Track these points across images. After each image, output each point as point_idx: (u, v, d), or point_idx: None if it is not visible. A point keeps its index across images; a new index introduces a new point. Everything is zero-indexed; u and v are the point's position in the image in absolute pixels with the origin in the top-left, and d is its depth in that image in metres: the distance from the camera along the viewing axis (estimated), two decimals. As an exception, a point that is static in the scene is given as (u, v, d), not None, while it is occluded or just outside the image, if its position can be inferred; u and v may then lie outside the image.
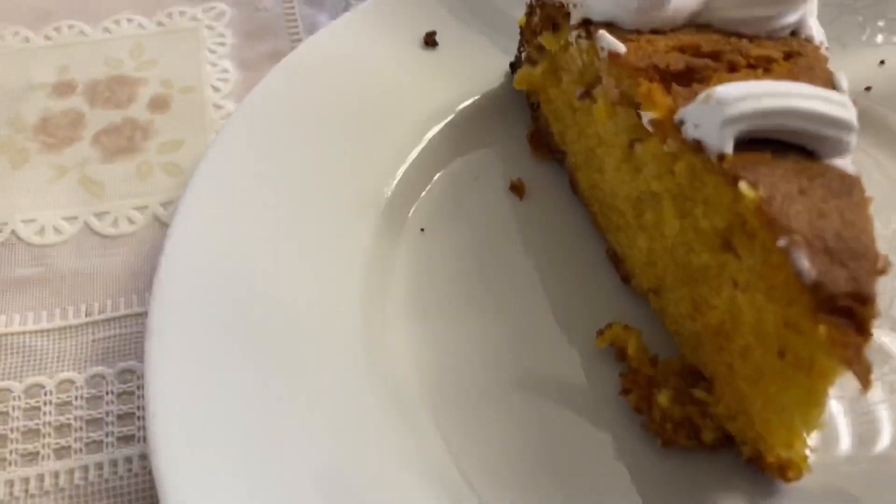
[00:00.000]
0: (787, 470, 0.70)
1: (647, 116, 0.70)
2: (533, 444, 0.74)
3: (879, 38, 1.05)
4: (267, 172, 0.85)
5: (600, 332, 0.79)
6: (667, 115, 0.68)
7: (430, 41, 0.99)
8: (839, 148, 0.65)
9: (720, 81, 0.71)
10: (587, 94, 0.81)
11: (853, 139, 0.65)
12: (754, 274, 0.63)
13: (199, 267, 0.77)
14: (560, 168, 0.94)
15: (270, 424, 0.70)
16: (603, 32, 0.75)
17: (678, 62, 0.71)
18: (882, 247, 0.81)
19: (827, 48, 0.81)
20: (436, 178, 0.93)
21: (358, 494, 0.67)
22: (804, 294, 0.57)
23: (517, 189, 0.92)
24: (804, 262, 0.57)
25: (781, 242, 0.58)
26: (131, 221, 0.92)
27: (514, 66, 0.97)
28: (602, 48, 0.75)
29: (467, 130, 0.95)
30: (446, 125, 0.95)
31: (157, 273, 0.76)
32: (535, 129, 0.96)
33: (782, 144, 0.65)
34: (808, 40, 0.79)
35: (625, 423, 0.75)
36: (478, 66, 0.98)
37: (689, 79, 0.71)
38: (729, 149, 0.63)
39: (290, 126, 0.89)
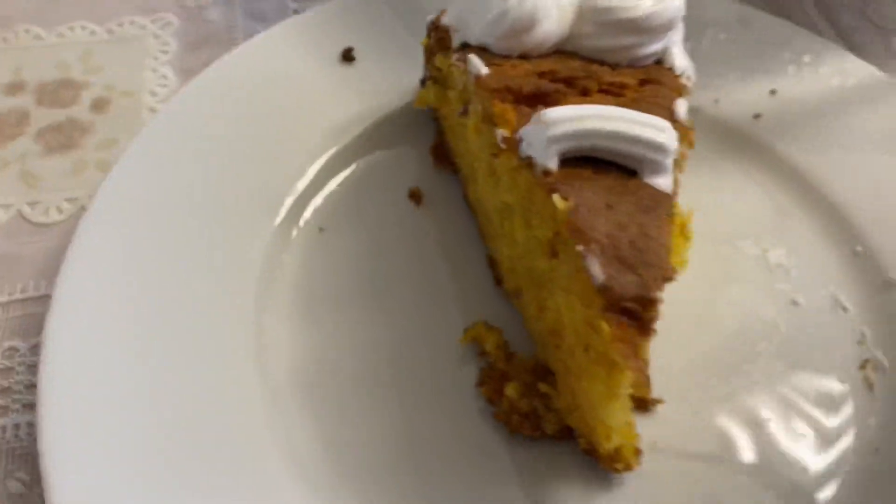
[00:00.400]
0: (615, 461, 0.76)
1: (500, 134, 0.77)
2: (394, 431, 0.81)
3: (773, 67, 1.11)
4: (178, 171, 0.94)
5: (466, 331, 0.86)
6: (513, 132, 0.76)
7: (347, 56, 1.07)
8: (655, 168, 0.72)
9: (570, 104, 0.78)
10: (465, 111, 0.88)
11: (669, 161, 0.72)
12: (569, 278, 0.70)
13: (103, 253, 0.86)
14: (457, 179, 1.01)
15: (153, 403, 0.77)
16: (471, 56, 0.83)
17: (530, 85, 0.79)
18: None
19: (689, 77, 0.88)
20: (340, 181, 1.01)
21: (224, 475, 0.74)
22: (597, 296, 0.64)
23: (415, 196, 1.00)
24: (596, 268, 0.64)
25: (579, 248, 0.65)
26: (60, 211, 1.00)
27: (423, 83, 1.04)
28: (470, 71, 0.83)
29: (375, 140, 1.03)
30: (356, 134, 1.02)
31: (65, 257, 0.85)
32: (439, 142, 1.03)
33: (607, 163, 0.72)
34: (671, 69, 0.86)
35: (480, 414, 0.83)
36: (391, 81, 1.06)
37: (539, 101, 0.78)
38: (553, 165, 0.71)
39: (205, 129, 0.97)
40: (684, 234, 0.84)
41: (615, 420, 0.71)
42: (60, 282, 0.83)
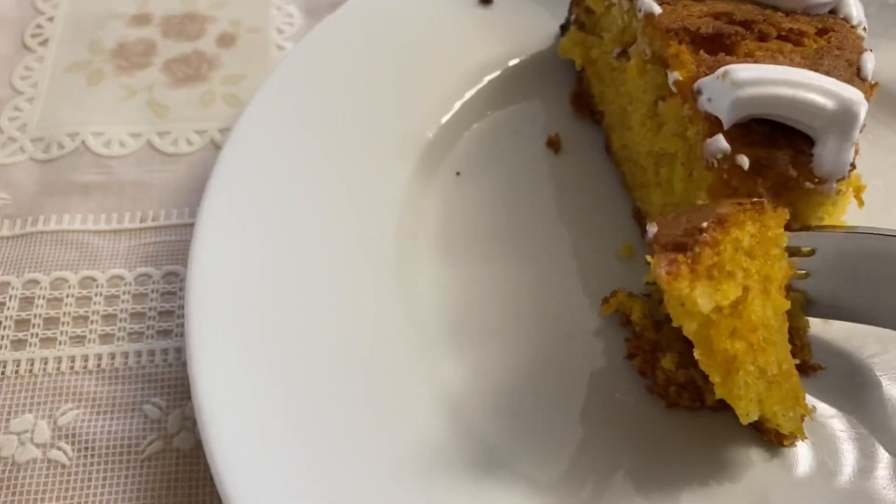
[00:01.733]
0: (782, 436, 0.72)
1: (672, 76, 0.73)
2: (543, 394, 0.77)
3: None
4: (316, 109, 0.91)
5: (605, 300, 0.82)
6: (689, 78, 0.72)
7: (485, 0, 1.03)
8: (838, 140, 0.68)
9: (748, 50, 0.74)
10: (624, 52, 0.85)
11: (855, 134, 0.68)
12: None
13: (245, 185, 0.84)
14: (597, 129, 0.98)
15: (299, 331, 0.76)
16: (641, -7, 0.79)
17: (709, 27, 0.75)
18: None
19: (865, 29, 0.83)
20: (477, 127, 0.98)
21: (368, 405, 0.72)
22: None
23: (554, 144, 0.96)
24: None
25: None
26: (190, 143, 0.99)
27: (563, 28, 1.01)
28: (639, 9, 0.79)
29: (512, 86, 1.00)
30: (492, 79, 0.99)
31: (207, 187, 0.83)
32: (578, 90, 1.00)
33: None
34: (846, 19, 0.82)
35: (629, 387, 0.78)
36: (529, 26, 1.03)
37: (717, 44, 0.74)
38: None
39: (342, 68, 0.95)
40: (859, 200, 0.79)
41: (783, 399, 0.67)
42: (203, 211, 0.81)
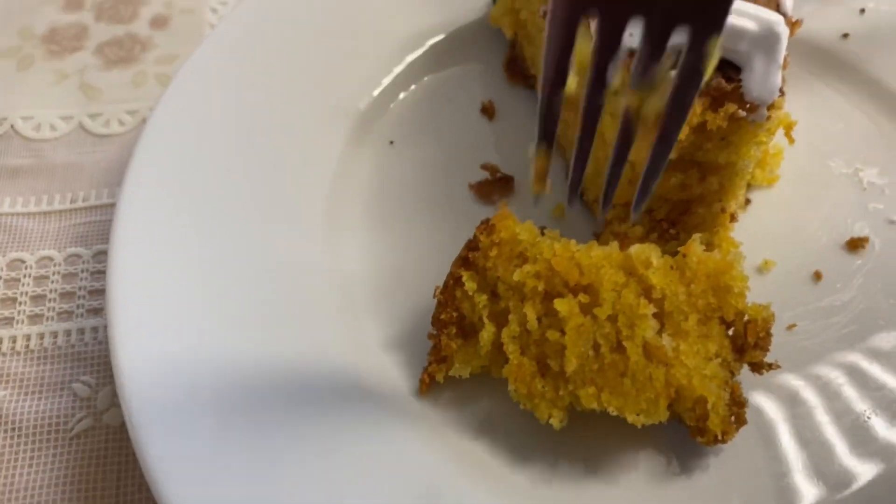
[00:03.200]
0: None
1: None
2: None
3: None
4: (244, 81, 0.90)
5: None
6: None
7: (416, -32, 1.02)
8: (765, 63, 0.68)
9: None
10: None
11: (780, 57, 0.68)
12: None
13: (169, 160, 0.83)
14: (531, 94, 0.97)
15: (223, 302, 0.75)
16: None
17: None
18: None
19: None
20: (410, 95, 0.97)
21: (294, 371, 0.72)
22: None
23: (487, 111, 0.96)
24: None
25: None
26: (122, 123, 0.98)
27: (495, -2, 1.00)
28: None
29: (447, 52, 0.99)
30: (428, 47, 0.99)
31: (129, 162, 0.82)
32: (511, 56, 0.99)
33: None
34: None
35: None
36: (461, -6, 1.02)
37: None
38: None
39: (271, 39, 0.94)
40: (788, 136, 0.79)
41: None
42: (126, 189, 0.80)
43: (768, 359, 0.69)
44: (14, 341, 0.80)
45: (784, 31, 0.69)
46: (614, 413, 0.66)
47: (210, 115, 0.87)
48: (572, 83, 0.54)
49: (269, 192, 0.83)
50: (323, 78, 0.93)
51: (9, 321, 0.81)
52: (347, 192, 0.87)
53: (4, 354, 0.79)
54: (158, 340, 0.71)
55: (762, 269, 0.83)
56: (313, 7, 0.97)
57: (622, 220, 0.80)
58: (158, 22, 1.08)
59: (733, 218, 0.81)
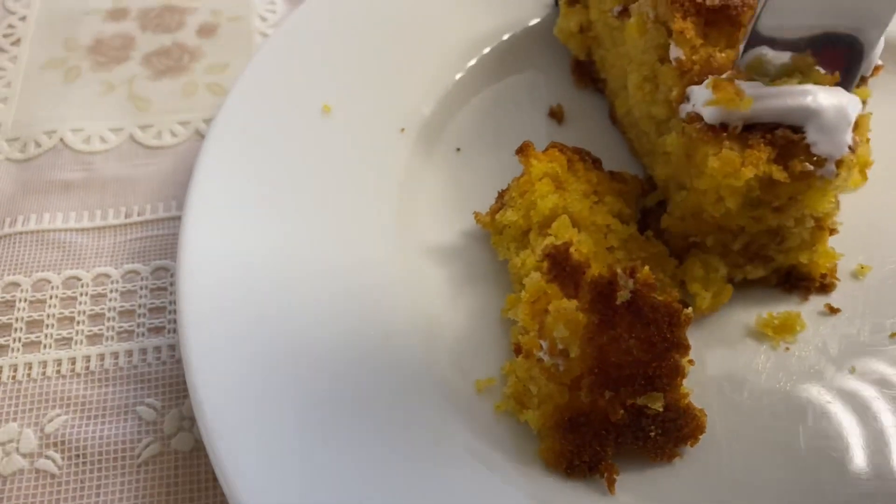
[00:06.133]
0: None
1: (675, 52, 0.70)
2: None
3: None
4: (305, 90, 0.87)
5: None
6: (689, 63, 0.69)
7: (475, -29, 0.99)
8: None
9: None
10: (625, 10, 0.80)
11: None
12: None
13: (231, 173, 0.79)
14: (600, 97, 0.93)
15: (296, 320, 0.71)
16: (647, -49, 0.75)
17: None
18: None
19: None
20: (476, 100, 0.93)
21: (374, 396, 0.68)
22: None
23: (556, 115, 0.92)
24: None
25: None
26: (174, 134, 0.94)
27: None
28: (644, -33, 0.75)
29: (511, 57, 0.96)
30: (491, 50, 0.95)
31: (192, 177, 0.78)
32: (578, 60, 0.95)
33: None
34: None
35: None
36: (523, -7, 0.99)
37: (723, 16, 0.70)
38: None
39: (330, 47, 0.91)
40: (863, 173, 0.77)
41: None
42: (190, 202, 0.76)
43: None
44: (73, 363, 0.76)
45: (853, 112, 0.66)
46: None
47: (272, 126, 0.83)
48: None
49: (337, 202, 0.80)
50: (386, 85, 0.89)
51: (67, 342, 0.77)
52: (416, 201, 0.83)
53: (64, 377, 0.75)
54: (234, 356, 0.67)
55: (857, 274, 0.79)
56: (373, 12, 0.94)
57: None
58: (206, 30, 1.05)
59: (833, 232, 0.77)
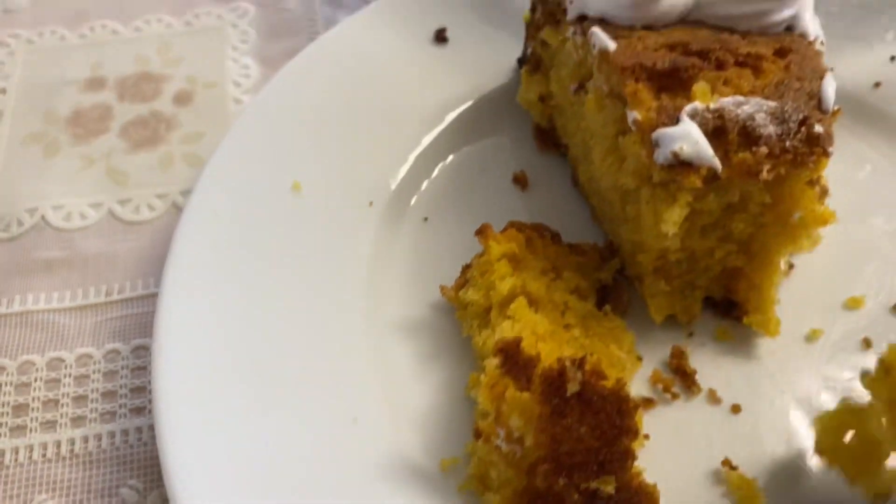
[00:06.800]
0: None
1: (631, 115, 0.72)
2: None
3: (891, 35, 1.04)
4: (274, 165, 0.90)
5: None
6: (648, 119, 0.71)
7: (440, 37, 1.02)
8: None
9: (707, 80, 0.73)
10: (581, 87, 0.83)
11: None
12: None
13: (206, 250, 0.82)
14: (563, 161, 0.96)
15: (271, 400, 0.74)
16: (595, 29, 0.78)
17: (665, 61, 0.73)
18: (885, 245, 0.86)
19: (822, 43, 0.82)
20: (441, 169, 0.96)
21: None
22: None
23: (520, 181, 0.95)
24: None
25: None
26: (152, 208, 0.97)
27: (521, 62, 0.99)
28: (594, 45, 0.78)
29: (477, 123, 0.99)
30: (454, 119, 0.98)
31: (168, 256, 0.81)
32: (540, 125, 0.98)
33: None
34: (803, 36, 0.81)
35: None
36: (487, 60, 1.02)
37: (674, 79, 0.73)
38: None
39: (298, 120, 0.94)
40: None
41: None
42: (166, 283, 0.79)
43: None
44: (58, 446, 0.79)
45: None
46: None
47: (244, 207, 0.86)
48: None
49: (307, 280, 0.83)
50: (354, 159, 0.92)
51: (52, 425, 0.80)
52: (384, 275, 0.87)
53: (50, 460, 0.78)
54: (208, 437, 0.70)
55: (810, 338, 0.82)
56: (340, 87, 0.97)
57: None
58: (182, 98, 1.08)
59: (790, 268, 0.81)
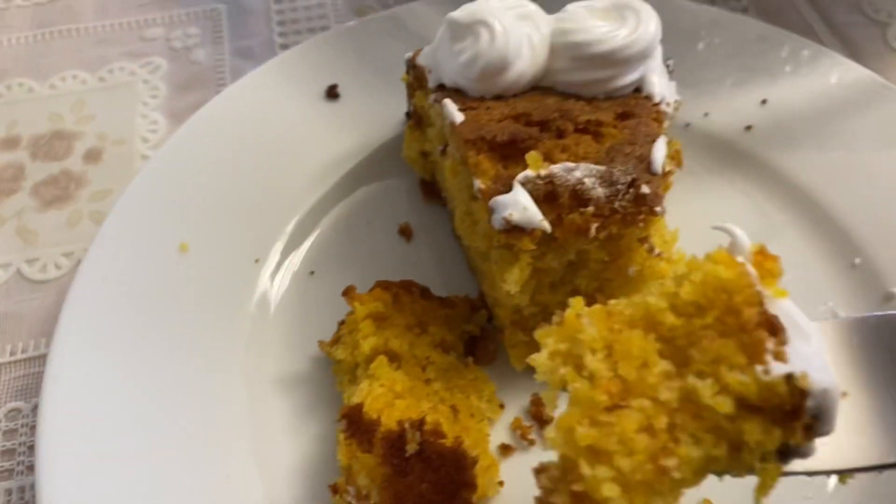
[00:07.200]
0: None
1: (476, 184, 0.77)
2: None
3: (763, 78, 1.09)
4: (165, 222, 0.95)
5: None
6: (488, 189, 0.76)
7: (332, 93, 1.07)
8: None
9: (546, 148, 0.78)
10: (444, 150, 0.88)
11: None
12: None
13: (97, 310, 0.87)
14: (446, 212, 1.01)
15: (143, 458, 0.79)
16: (446, 102, 0.83)
17: (504, 133, 0.78)
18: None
19: (669, 104, 0.87)
20: (330, 222, 1.01)
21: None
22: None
23: (405, 232, 1.00)
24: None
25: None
26: (58, 267, 1.02)
27: (409, 115, 1.04)
28: (445, 116, 0.83)
29: (363, 177, 1.04)
30: (345, 173, 1.03)
31: (59, 317, 0.86)
32: (424, 178, 1.03)
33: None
34: (649, 98, 0.85)
35: None
36: (377, 115, 1.06)
37: (514, 149, 0.78)
38: None
39: (192, 177, 0.98)
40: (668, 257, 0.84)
41: None
42: (54, 345, 0.84)
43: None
44: (-47, 505, 0.84)
45: None
46: None
47: (133, 263, 0.91)
48: None
49: (189, 337, 0.88)
50: (242, 215, 0.97)
51: (-50, 484, 0.86)
52: (268, 330, 0.92)
53: (-55, 523, 0.83)
54: (85, 494, 0.76)
55: None
56: (232, 144, 1.02)
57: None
58: (92, 156, 1.12)
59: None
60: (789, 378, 0.54)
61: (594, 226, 0.74)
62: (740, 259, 0.61)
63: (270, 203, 0.99)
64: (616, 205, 0.75)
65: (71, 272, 1.01)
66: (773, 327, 0.57)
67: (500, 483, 0.80)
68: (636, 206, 0.75)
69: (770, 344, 0.56)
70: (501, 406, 0.85)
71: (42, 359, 0.94)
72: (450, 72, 0.85)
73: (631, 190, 0.76)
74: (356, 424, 0.73)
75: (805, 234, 0.98)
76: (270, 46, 1.25)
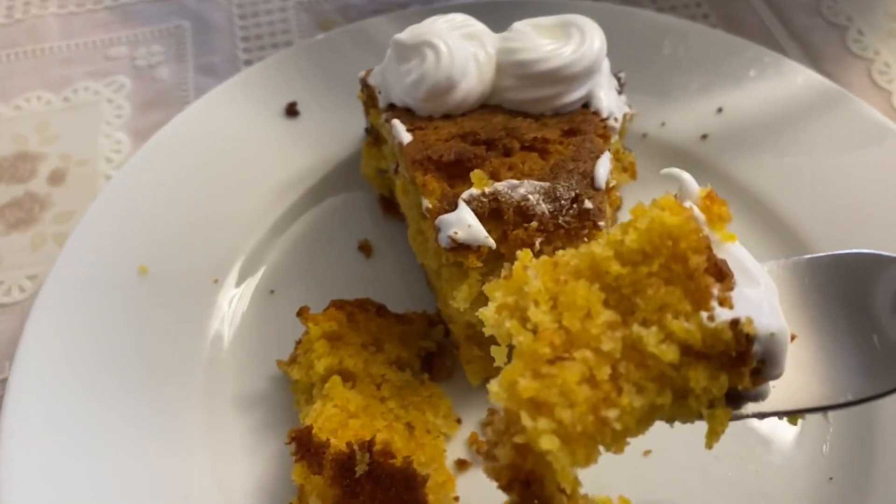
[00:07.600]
0: None
1: (424, 203, 0.78)
2: None
3: (717, 87, 1.09)
4: (123, 244, 0.96)
5: None
6: (435, 207, 0.77)
7: (291, 111, 1.08)
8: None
9: (492, 166, 0.79)
10: (396, 169, 0.89)
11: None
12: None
13: (56, 334, 0.89)
14: (405, 226, 1.02)
15: (103, 480, 0.81)
16: (395, 122, 0.84)
17: (450, 153, 0.79)
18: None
19: (617, 119, 0.88)
20: (289, 240, 1.02)
21: None
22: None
23: (365, 249, 1.01)
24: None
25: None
26: (22, 290, 1.03)
27: (368, 131, 1.05)
28: (394, 137, 0.84)
29: (322, 194, 1.05)
30: (304, 190, 1.04)
31: (19, 341, 0.87)
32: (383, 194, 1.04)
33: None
34: (596, 113, 0.86)
35: None
36: (336, 132, 1.07)
37: (461, 168, 0.79)
38: None
39: (151, 198, 1.00)
40: None
41: None
42: (14, 369, 0.86)
43: None
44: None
45: None
46: None
47: (92, 285, 0.92)
48: None
49: (148, 360, 0.89)
50: (201, 235, 0.98)
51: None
52: (228, 351, 0.93)
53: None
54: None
55: None
56: (191, 164, 1.03)
57: None
58: (56, 177, 1.13)
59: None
60: (735, 324, 0.55)
61: (538, 241, 0.75)
62: (688, 204, 0.60)
63: (230, 222, 1.00)
64: (560, 220, 0.76)
65: (35, 295, 1.02)
66: (720, 273, 0.57)
67: (456, 499, 0.81)
68: (580, 220, 0.76)
69: (716, 290, 0.56)
70: (458, 421, 0.86)
71: (4, 383, 0.95)
72: (398, 92, 0.86)
73: (574, 205, 0.77)
74: (305, 447, 0.74)
75: (760, 240, 0.99)
76: (234, 62, 1.25)
